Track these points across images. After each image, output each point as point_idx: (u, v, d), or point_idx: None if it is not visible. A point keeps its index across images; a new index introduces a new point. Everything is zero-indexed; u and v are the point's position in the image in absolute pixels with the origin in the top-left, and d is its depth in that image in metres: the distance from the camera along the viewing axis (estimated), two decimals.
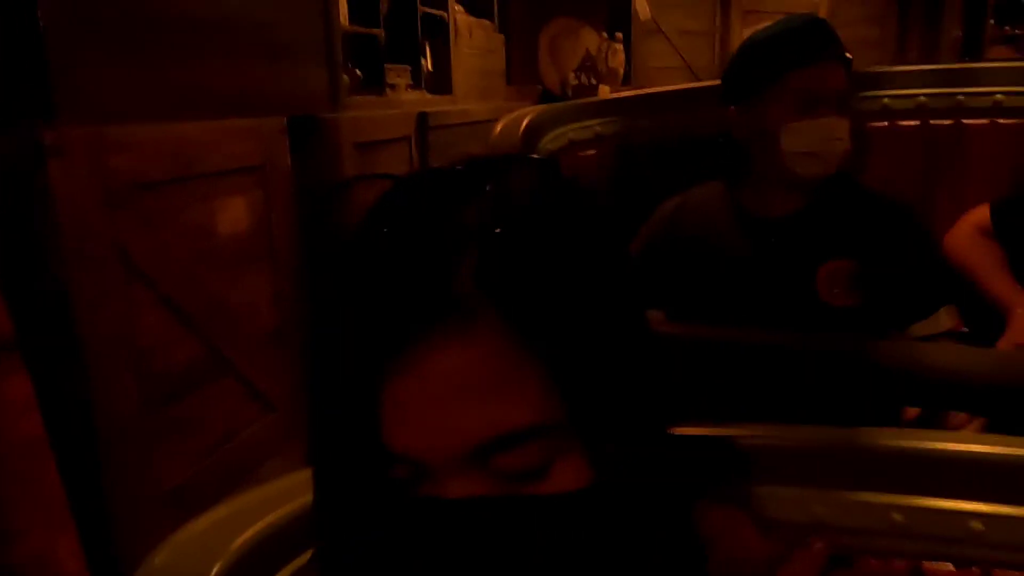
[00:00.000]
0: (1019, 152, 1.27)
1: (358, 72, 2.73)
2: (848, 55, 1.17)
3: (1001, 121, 1.28)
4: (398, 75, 2.97)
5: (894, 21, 5.61)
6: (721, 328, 1.00)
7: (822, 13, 5.50)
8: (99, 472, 1.44)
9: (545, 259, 0.40)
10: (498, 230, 0.40)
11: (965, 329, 1.11)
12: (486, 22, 3.77)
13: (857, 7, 5.62)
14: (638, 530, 0.44)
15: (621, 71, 4.72)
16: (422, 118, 2.84)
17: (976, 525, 0.59)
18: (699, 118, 1.34)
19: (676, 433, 0.47)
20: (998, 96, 1.28)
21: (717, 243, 1.20)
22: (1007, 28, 4.82)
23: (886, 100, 1.32)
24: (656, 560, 0.45)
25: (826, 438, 0.63)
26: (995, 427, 0.62)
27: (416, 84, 3.08)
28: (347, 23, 2.62)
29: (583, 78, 4.65)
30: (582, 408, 0.41)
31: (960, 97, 1.30)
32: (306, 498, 0.46)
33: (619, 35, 4.72)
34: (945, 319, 1.12)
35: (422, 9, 3.06)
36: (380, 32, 2.79)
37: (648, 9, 4.86)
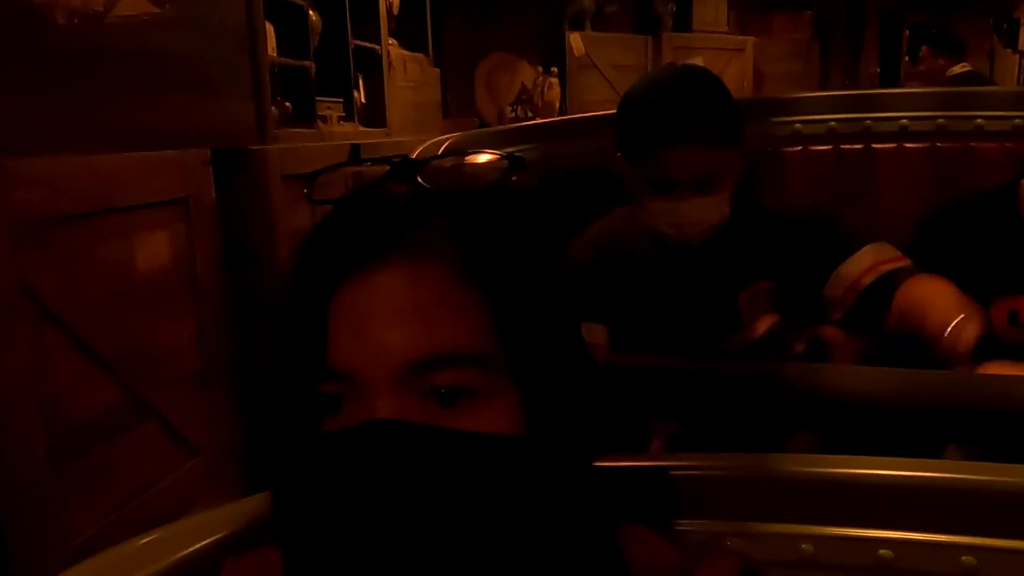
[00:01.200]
0: (925, 173, 1.32)
1: (288, 105, 2.70)
2: (708, 135, 1.06)
3: (907, 145, 1.33)
4: (330, 108, 2.95)
5: (816, 57, 5.87)
6: (633, 356, 1.00)
7: (748, 51, 5.72)
8: (2, 527, 1.35)
9: (497, 216, 0.47)
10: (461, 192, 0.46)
11: (904, 264, 1.10)
12: (421, 56, 3.79)
13: (782, 44, 5.87)
14: (561, 525, 0.45)
15: (557, 104, 4.80)
16: (355, 150, 2.82)
17: (886, 553, 0.59)
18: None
19: (602, 465, 0.49)
20: (904, 121, 1.33)
21: (638, 267, 1.20)
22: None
23: (797, 125, 1.36)
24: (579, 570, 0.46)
25: (740, 465, 0.62)
26: (901, 448, 0.62)
27: (349, 117, 3.06)
28: (276, 55, 2.60)
29: (519, 111, 4.72)
30: (517, 351, 0.44)
31: (868, 122, 1.34)
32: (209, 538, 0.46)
33: (554, 69, 4.81)
34: (869, 256, 1.11)
35: (354, 42, 3.05)
36: (310, 64, 2.77)
37: (582, 45, 4.96)
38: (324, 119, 2.89)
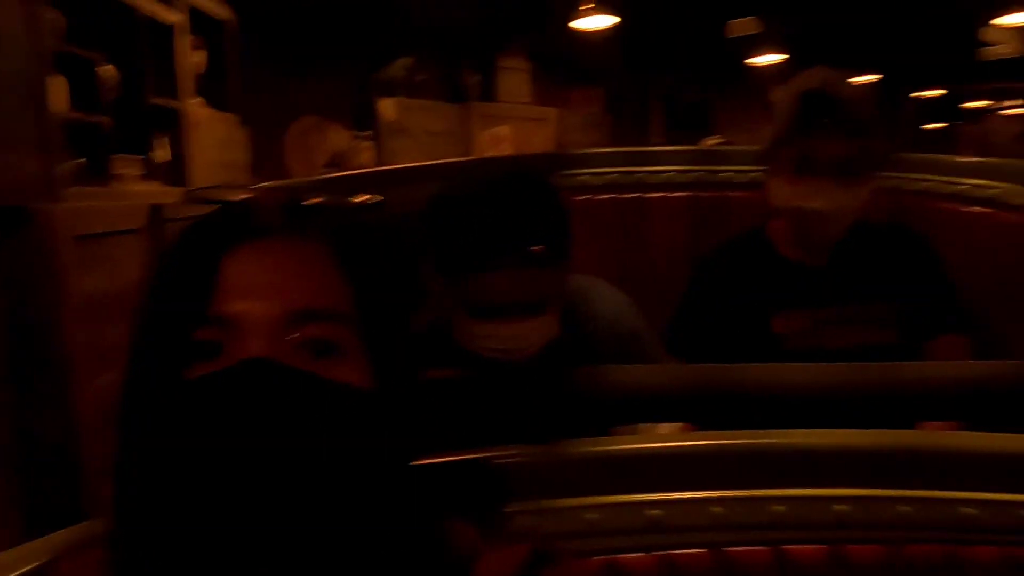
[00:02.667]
0: (688, 217, 1.54)
1: (80, 161, 2.55)
2: (538, 255, 0.94)
3: (673, 194, 1.56)
4: (127, 165, 2.82)
5: (609, 127, 6.49)
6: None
7: (551, 120, 6.19)
8: None
9: (362, 228, 0.57)
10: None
11: None
12: (229, 115, 3.72)
13: (579, 116, 6.42)
14: (399, 481, 0.50)
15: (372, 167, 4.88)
16: (155, 210, 2.70)
17: (655, 512, 0.68)
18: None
19: (428, 462, 0.56)
20: (670, 173, 1.56)
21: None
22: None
23: (584, 177, 1.55)
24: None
25: (533, 452, 0.70)
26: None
27: (148, 175, 2.93)
28: (67, 110, 2.46)
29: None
30: (371, 325, 0.52)
31: (641, 174, 1.56)
32: None
33: (369, 132, 4.90)
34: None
35: (155, 99, 2.96)
36: (105, 120, 2.65)
37: (393, 111, 5.10)
38: (120, 177, 2.75)
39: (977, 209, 1.49)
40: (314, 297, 0.51)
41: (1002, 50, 6.48)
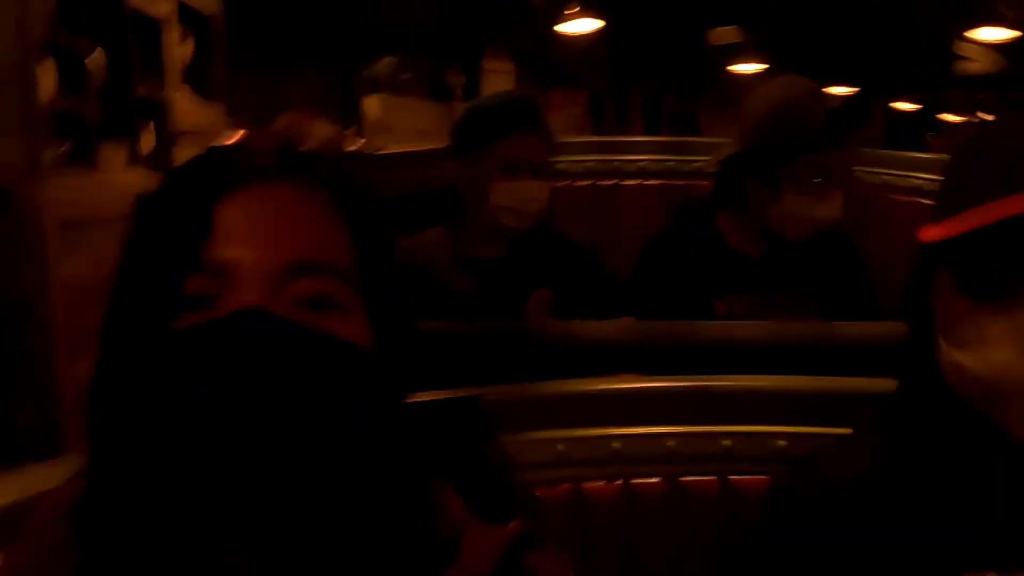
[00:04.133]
0: (660, 203, 1.62)
1: (66, 147, 2.57)
2: (545, 130, 1.40)
3: (647, 181, 1.65)
4: (113, 153, 2.84)
5: (591, 130, 6.60)
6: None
7: None
8: None
9: (358, 178, 0.54)
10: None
11: None
12: (216, 104, 3.75)
13: (562, 117, 6.51)
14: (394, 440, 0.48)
15: None
16: (140, 199, 2.73)
17: (616, 445, 0.76)
18: (427, 175, 1.55)
19: (420, 400, 0.56)
20: (643, 162, 1.64)
21: (441, 279, 1.38)
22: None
23: (563, 164, 1.63)
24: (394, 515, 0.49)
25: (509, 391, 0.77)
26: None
27: (134, 163, 2.96)
28: (54, 96, 2.48)
29: None
30: (371, 279, 0.50)
31: (617, 163, 1.64)
32: None
33: (353, 128, 4.93)
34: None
35: (141, 87, 2.99)
36: (92, 107, 2.67)
37: (378, 109, 5.14)
38: (106, 165, 2.77)
39: (930, 201, 1.58)
40: (316, 249, 0.48)
41: (974, 67, 6.65)
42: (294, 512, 0.43)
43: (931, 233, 0.67)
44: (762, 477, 0.73)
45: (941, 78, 6.93)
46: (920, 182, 1.61)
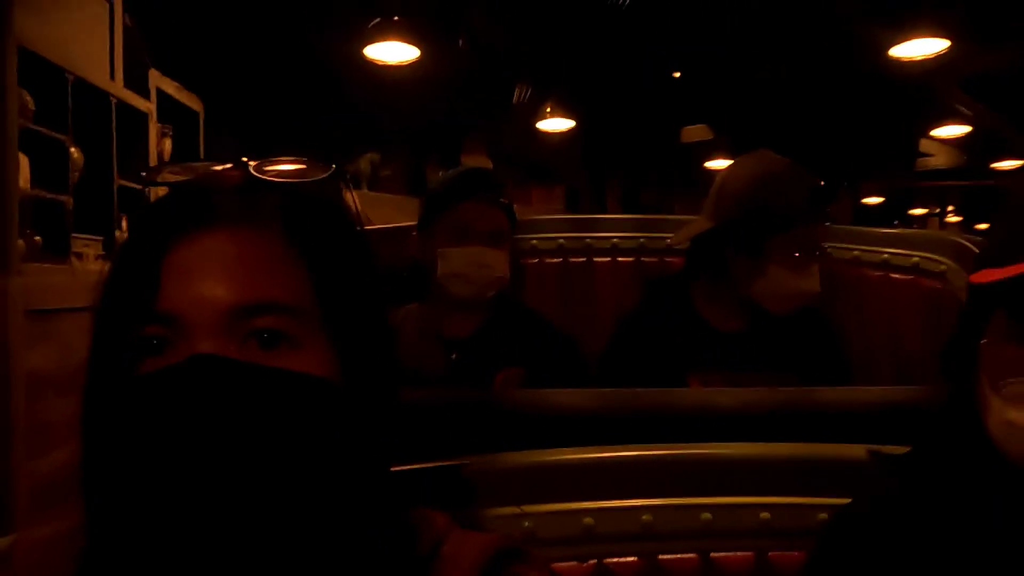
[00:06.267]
0: (632, 281, 1.62)
1: (38, 239, 2.56)
2: (504, 200, 1.41)
3: (619, 259, 1.65)
4: (87, 245, 2.83)
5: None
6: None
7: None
8: None
9: (319, 203, 0.55)
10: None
11: None
12: None
13: (540, 212, 6.65)
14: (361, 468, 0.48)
15: None
16: None
17: (588, 520, 0.70)
18: (397, 252, 1.54)
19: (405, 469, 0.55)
20: (615, 240, 1.65)
21: (412, 357, 1.35)
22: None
23: (535, 241, 1.63)
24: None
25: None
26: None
27: (108, 255, 2.94)
28: (29, 187, 2.49)
29: None
30: (332, 310, 0.51)
31: (589, 240, 1.65)
32: None
33: None
34: None
35: (120, 181, 3.00)
36: (67, 199, 2.68)
37: (358, 204, 5.22)
38: (80, 256, 2.75)
39: (899, 276, 1.60)
40: (265, 289, 0.49)
41: (934, 162, 6.94)
42: (262, 550, 0.44)
43: (988, 276, 0.64)
44: (747, 554, 0.67)
45: (905, 172, 7.20)
46: (887, 256, 1.63)
